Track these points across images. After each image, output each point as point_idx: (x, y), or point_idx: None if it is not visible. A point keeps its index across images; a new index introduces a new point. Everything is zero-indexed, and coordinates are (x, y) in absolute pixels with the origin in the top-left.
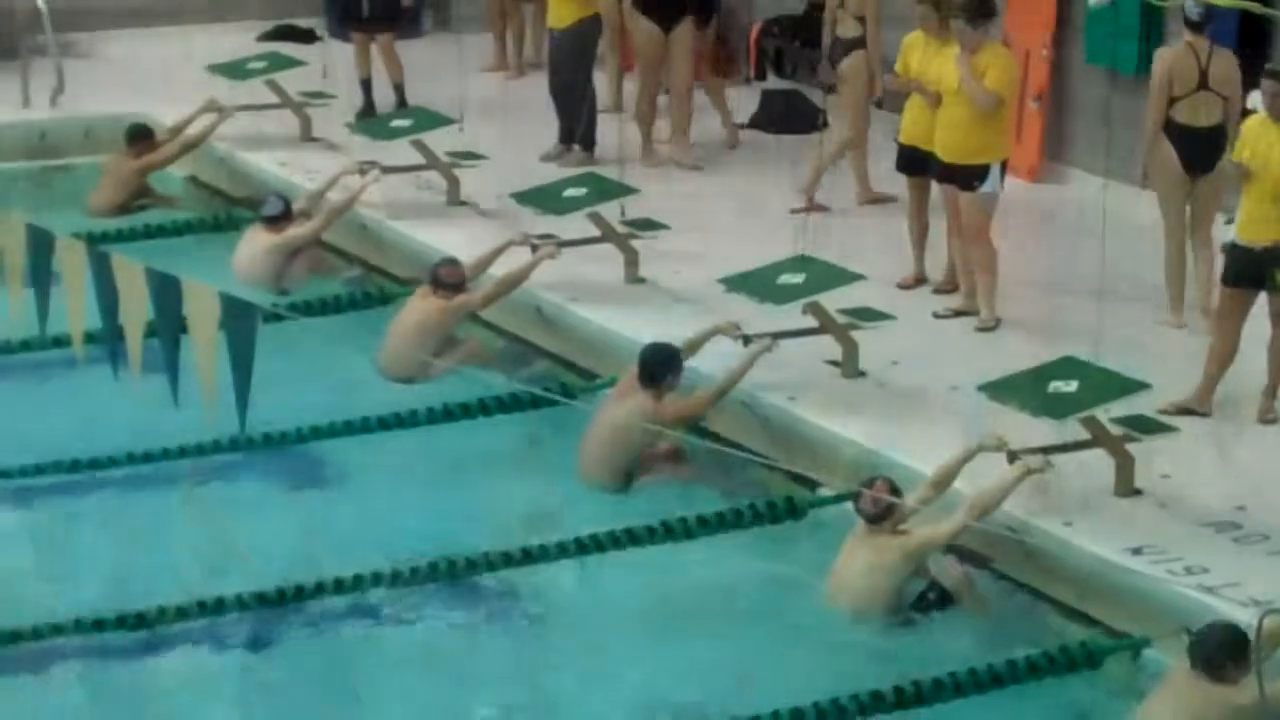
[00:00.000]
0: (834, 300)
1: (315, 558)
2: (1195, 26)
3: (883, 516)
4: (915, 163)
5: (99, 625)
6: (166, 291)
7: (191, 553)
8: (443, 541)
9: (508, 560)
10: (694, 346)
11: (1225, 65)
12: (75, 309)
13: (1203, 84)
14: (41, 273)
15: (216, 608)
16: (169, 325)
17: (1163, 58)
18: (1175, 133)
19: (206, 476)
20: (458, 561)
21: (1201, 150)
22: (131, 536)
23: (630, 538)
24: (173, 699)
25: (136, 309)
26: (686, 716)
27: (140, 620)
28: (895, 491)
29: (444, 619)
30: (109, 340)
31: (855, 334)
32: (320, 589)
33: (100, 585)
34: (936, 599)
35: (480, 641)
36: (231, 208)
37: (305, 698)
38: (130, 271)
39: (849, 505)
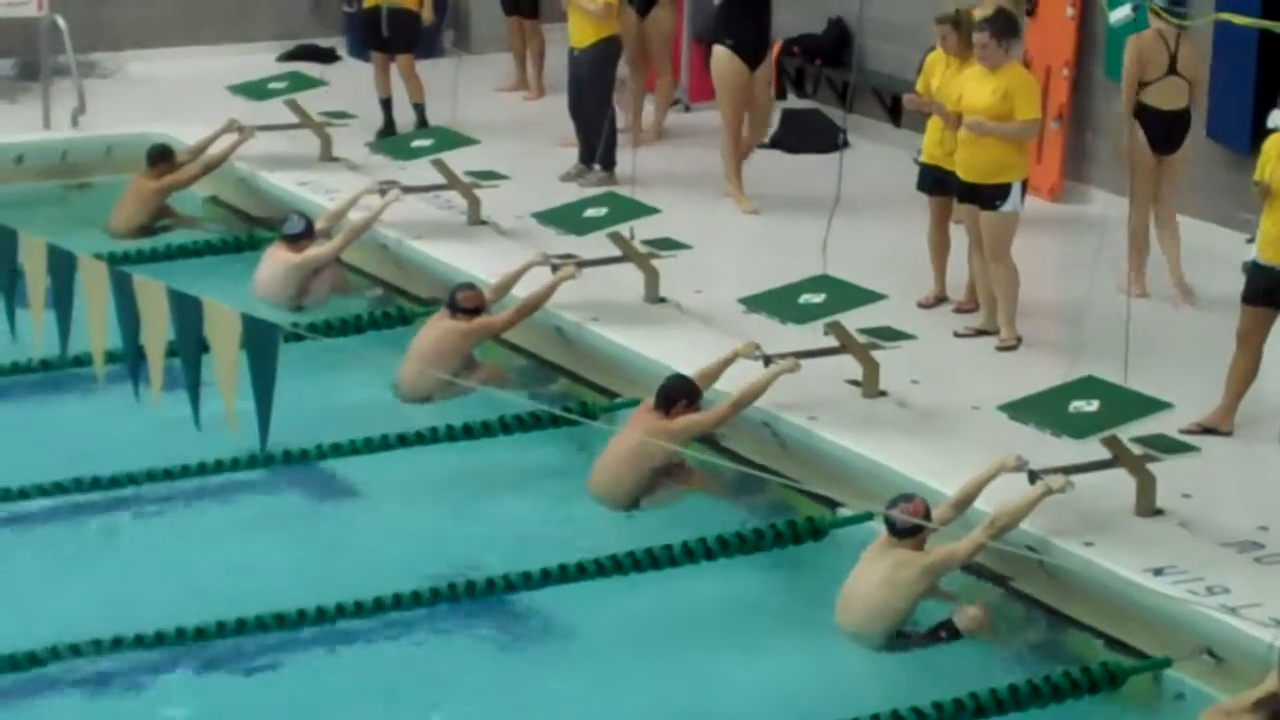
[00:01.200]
0: (854, 320)
1: (334, 576)
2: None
3: (910, 532)
4: (936, 182)
5: (116, 644)
6: (187, 311)
7: (209, 572)
8: (459, 560)
9: (526, 581)
10: (710, 376)
11: (1191, 51)
12: (96, 329)
13: (1171, 69)
14: (63, 293)
15: (237, 629)
16: (190, 345)
17: (1133, 44)
18: (1145, 116)
19: (227, 494)
20: (476, 582)
21: (1170, 132)
22: (145, 556)
23: (650, 559)
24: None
25: (157, 329)
26: None
27: (159, 639)
28: (928, 515)
29: (461, 637)
30: (130, 360)
31: (876, 353)
32: (341, 610)
33: (116, 604)
34: (948, 637)
35: (495, 661)
36: (252, 228)
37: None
38: (152, 291)
39: (871, 525)
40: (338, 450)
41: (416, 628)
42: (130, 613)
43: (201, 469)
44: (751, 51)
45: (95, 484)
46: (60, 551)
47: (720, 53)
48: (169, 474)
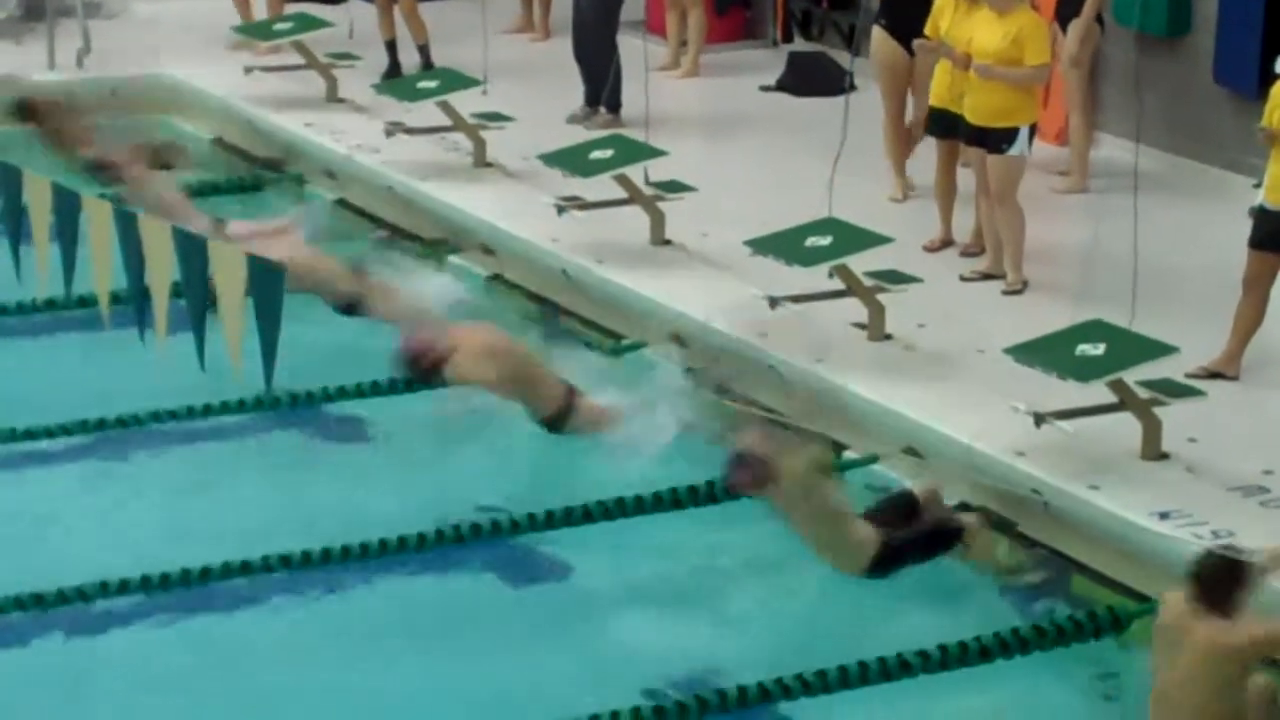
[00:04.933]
0: (860, 263)
1: (349, 517)
2: None
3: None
4: (944, 125)
5: (118, 587)
6: (193, 252)
7: (225, 513)
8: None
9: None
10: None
11: None
12: (101, 269)
13: None
14: (68, 232)
15: (259, 567)
16: (195, 286)
17: None
18: None
19: (230, 436)
20: (481, 524)
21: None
22: (146, 497)
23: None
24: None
25: (162, 269)
26: None
27: (185, 577)
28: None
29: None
30: (135, 301)
31: (881, 296)
32: (346, 553)
33: (115, 546)
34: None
35: None
36: (257, 169)
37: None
38: (157, 232)
39: (876, 467)
40: (343, 394)
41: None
42: (128, 554)
43: (206, 410)
44: (908, 33)
45: (100, 425)
46: (63, 492)
47: (877, 34)
48: (173, 415)
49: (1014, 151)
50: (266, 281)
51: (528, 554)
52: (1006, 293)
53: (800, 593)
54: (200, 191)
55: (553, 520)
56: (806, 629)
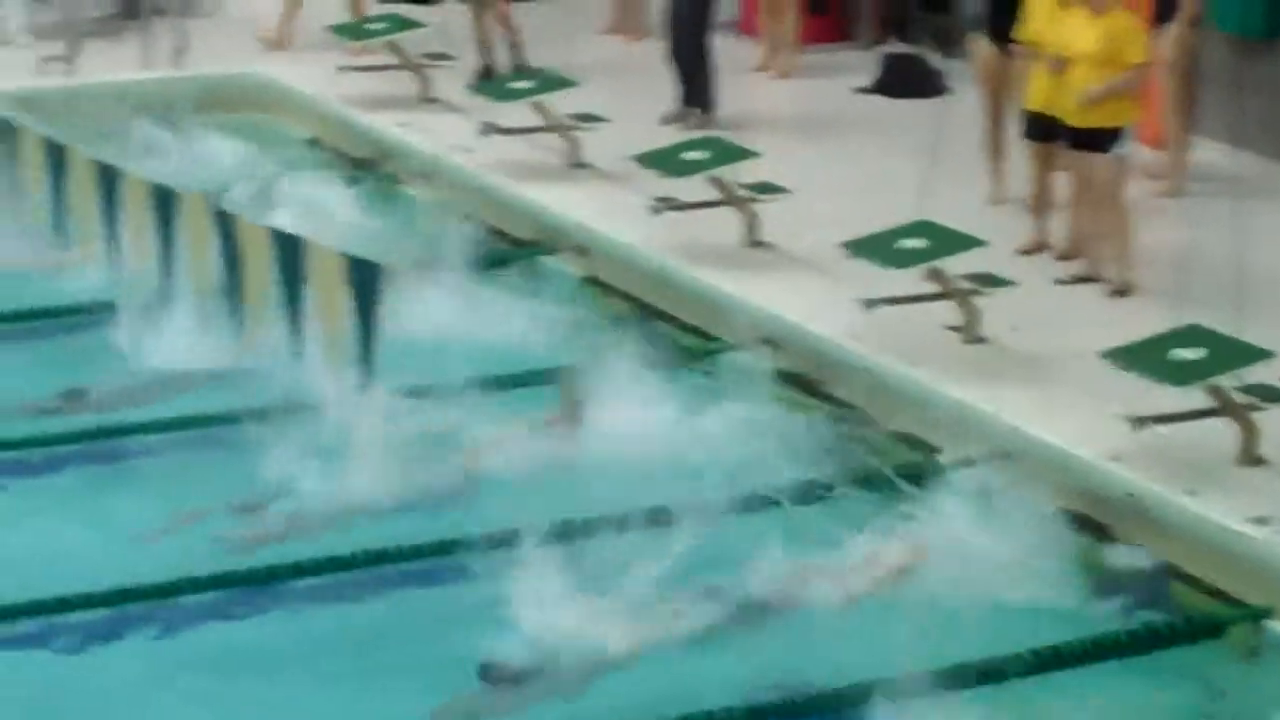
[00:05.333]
0: (954, 265)
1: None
2: None
3: None
4: (1040, 129)
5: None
6: (289, 250)
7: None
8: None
9: None
10: None
11: None
12: (198, 266)
13: None
14: (166, 231)
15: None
16: (291, 284)
17: None
18: None
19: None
20: None
21: None
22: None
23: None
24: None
25: (259, 266)
26: None
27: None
28: None
29: None
30: (232, 297)
31: (976, 300)
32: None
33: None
34: None
35: None
36: (353, 169)
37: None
38: (254, 231)
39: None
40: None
41: None
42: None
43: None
44: (1008, 36)
45: (194, 421)
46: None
47: (977, 37)
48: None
49: (1121, 150)
50: (364, 278)
51: None
52: (1114, 294)
53: None
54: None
55: None
56: None
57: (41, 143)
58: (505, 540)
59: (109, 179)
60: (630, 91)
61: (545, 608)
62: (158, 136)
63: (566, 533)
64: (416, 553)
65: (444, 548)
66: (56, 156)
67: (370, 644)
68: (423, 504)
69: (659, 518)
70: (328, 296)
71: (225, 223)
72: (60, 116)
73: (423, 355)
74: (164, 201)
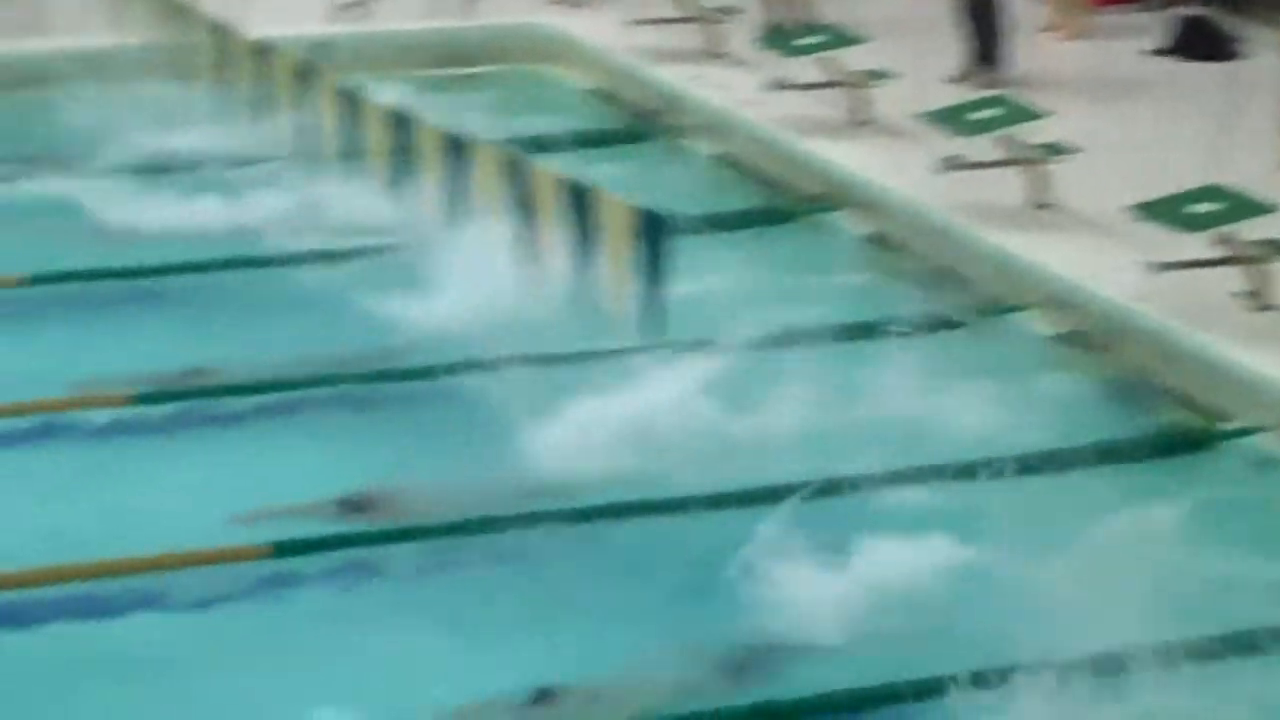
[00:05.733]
0: (1245, 231)
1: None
2: None
3: None
4: None
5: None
6: (581, 200)
7: None
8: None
9: None
10: None
11: None
12: (490, 213)
13: None
14: (458, 177)
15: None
16: (582, 234)
17: None
18: None
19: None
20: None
21: None
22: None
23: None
24: None
25: (549, 215)
26: None
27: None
28: None
29: None
30: (521, 244)
31: (1266, 266)
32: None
33: None
34: None
35: None
36: (638, 120)
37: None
38: (546, 179)
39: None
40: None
41: None
42: None
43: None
44: None
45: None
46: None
47: None
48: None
49: None
50: (653, 229)
51: None
52: None
53: None
54: (578, 142)
55: None
56: None
57: (337, 87)
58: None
59: (404, 124)
60: (919, 48)
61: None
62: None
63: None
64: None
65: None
66: (352, 101)
67: None
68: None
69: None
70: (616, 247)
71: (517, 170)
72: (352, 63)
73: (705, 310)
74: (457, 147)
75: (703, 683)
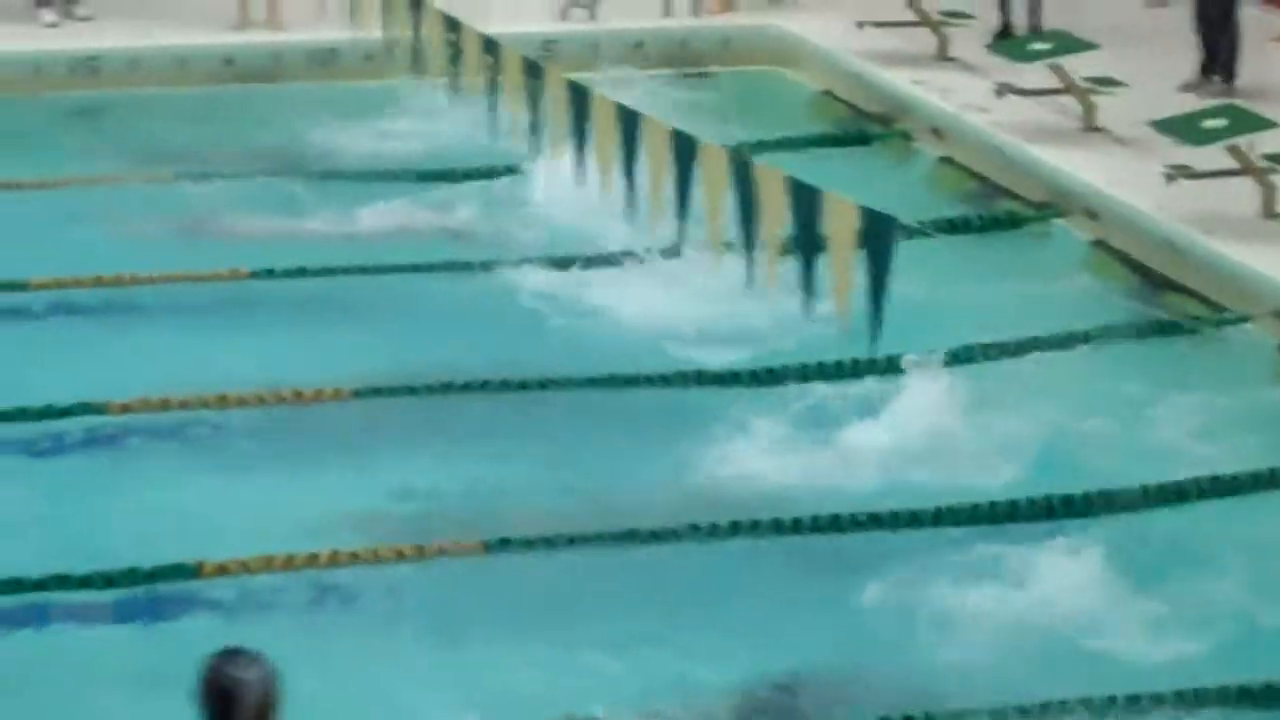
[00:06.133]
0: None
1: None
2: None
3: None
4: None
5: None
6: (806, 201)
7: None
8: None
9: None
10: None
11: None
12: (714, 213)
13: None
14: (683, 177)
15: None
16: (806, 235)
17: None
18: None
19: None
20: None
21: None
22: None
23: None
24: None
25: (775, 217)
26: None
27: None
28: None
29: None
30: (746, 246)
31: None
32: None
33: None
34: None
35: None
36: (865, 123)
37: None
38: (771, 179)
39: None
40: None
41: None
42: None
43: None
44: None
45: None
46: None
47: None
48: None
49: None
50: (878, 231)
51: None
52: None
53: None
54: (807, 143)
55: None
56: None
57: (566, 84)
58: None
59: (630, 123)
60: (1148, 56)
61: None
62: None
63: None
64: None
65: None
66: (580, 98)
67: None
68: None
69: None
70: (842, 250)
71: (743, 171)
72: (582, 61)
73: (928, 315)
74: (683, 147)
75: None
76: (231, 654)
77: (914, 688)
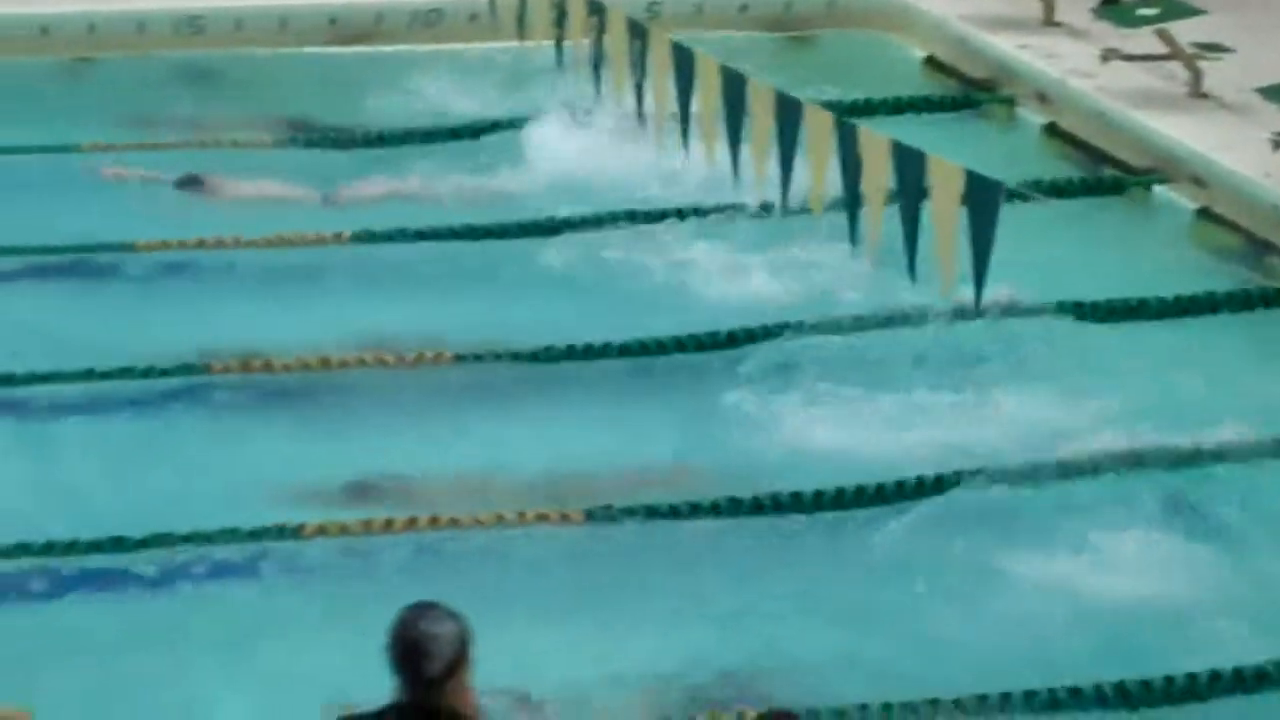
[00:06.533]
0: None
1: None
2: None
3: None
4: None
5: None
6: (909, 164)
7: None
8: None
9: None
10: None
11: None
12: (818, 175)
13: None
14: (787, 140)
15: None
16: (910, 198)
17: None
18: None
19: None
20: None
21: None
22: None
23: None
24: None
25: (878, 180)
26: None
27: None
28: None
29: None
30: (849, 208)
31: None
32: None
33: None
34: None
35: None
36: (969, 88)
37: None
38: (875, 143)
39: None
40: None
41: None
42: None
43: (906, 319)
44: None
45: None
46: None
47: None
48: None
49: None
50: (983, 195)
51: None
52: None
53: None
54: (911, 107)
55: None
56: None
57: (670, 45)
58: None
59: (736, 85)
60: (1257, 23)
61: None
62: None
63: None
64: None
65: None
66: (684, 60)
67: None
68: None
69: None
70: (944, 212)
71: (847, 133)
72: (686, 22)
73: (1030, 278)
74: (788, 110)
75: None
76: (424, 608)
77: None
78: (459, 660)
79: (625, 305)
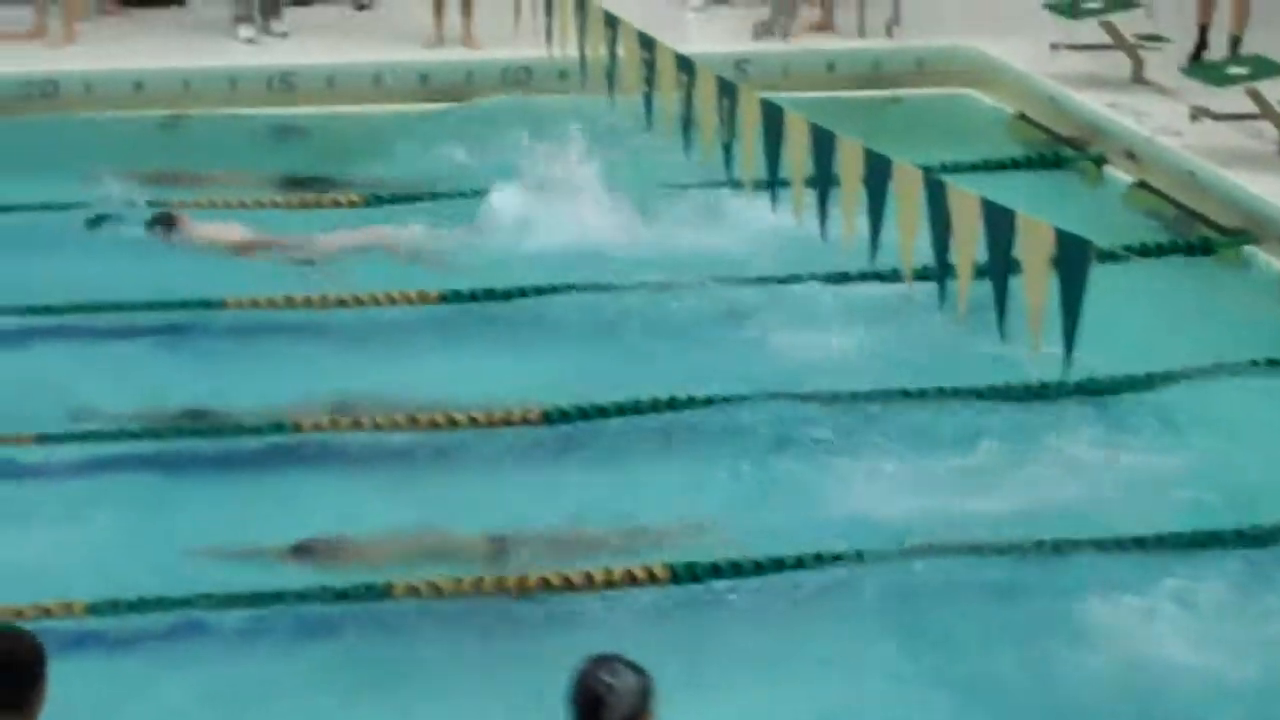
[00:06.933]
0: None
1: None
2: None
3: None
4: None
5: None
6: (999, 223)
7: None
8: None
9: None
10: None
11: None
12: (907, 235)
13: None
14: (876, 199)
15: None
16: (999, 258)
17: None
18: None
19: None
20: None
21: None
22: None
23: None
24: None
25: (968, 239)
26: None
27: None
28: None
29: None
30: (939, 272)
31: None
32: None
33: None
34: None
35: None
36: (1058, 146)
37: None
38: (965, 201)
39: None
40: (1132, 383)
41: None
42: None
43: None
44: None
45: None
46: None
47: None
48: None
49: None
50: (1073, 256)
51: None
52: None
53: None
54: (1001, 166)
55: None
56: None
57: (759, 103)
58: None
59: (824, 143)
60: None
61: None
62: None
63: None
64: None
65: None
66: (774, 118)
67: None
68: None
69: None
70: (1036, 273)
71: (937, 191)
72: (771, 85)
73: (1120, 340)
74: (877, 168)
75: None
76: (607, 660)
77: None
78: (639, 714)
79: (719, 359)
